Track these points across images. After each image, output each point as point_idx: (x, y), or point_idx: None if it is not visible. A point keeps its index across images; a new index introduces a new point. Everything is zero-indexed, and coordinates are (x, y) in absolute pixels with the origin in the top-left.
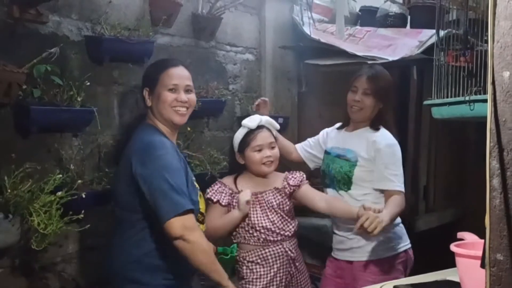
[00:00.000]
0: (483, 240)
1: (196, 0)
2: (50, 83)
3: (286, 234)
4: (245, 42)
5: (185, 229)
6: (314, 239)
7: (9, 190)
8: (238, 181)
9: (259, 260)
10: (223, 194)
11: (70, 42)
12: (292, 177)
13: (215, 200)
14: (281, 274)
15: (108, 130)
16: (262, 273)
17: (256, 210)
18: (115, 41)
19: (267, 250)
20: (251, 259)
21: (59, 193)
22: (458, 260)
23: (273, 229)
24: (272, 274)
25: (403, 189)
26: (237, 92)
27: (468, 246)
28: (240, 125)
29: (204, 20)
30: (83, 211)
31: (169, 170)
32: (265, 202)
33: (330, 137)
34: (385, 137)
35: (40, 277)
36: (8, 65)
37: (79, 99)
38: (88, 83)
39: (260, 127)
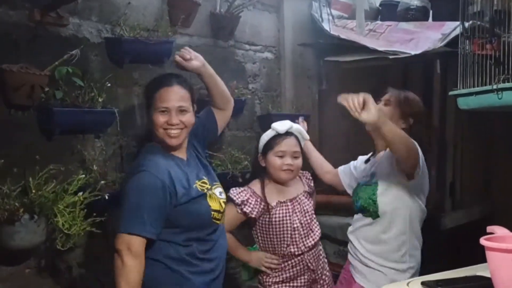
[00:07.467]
0: None
1: None
2: (72, 85)
3: (309, 244)
4: (264, 40)
5: (126, 248)
6: (338, 238)
7: (33, 191)
8: (266, 190)
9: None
10: (252, 205)
11: (91, 44)
12: (307, 178)
13: (245, 211)
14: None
15: (129, 131)
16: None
17: (292, 216)
18: (135, 42)
19: (288, 263)
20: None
21: (80, 194)
22: (488, 254)
23: (305, 233)
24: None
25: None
26: (257, 91)
27: (499, 240)
28: (260, 125)
29: (223, 19)
30: (106, 214)
31: (140, 190)
32: (300, 207)
33: (359, 170)
34: None
35: (66, 277)
36: (31, 68)
37: (100, 100)
38: (109, 85)
39: (288, 133)
